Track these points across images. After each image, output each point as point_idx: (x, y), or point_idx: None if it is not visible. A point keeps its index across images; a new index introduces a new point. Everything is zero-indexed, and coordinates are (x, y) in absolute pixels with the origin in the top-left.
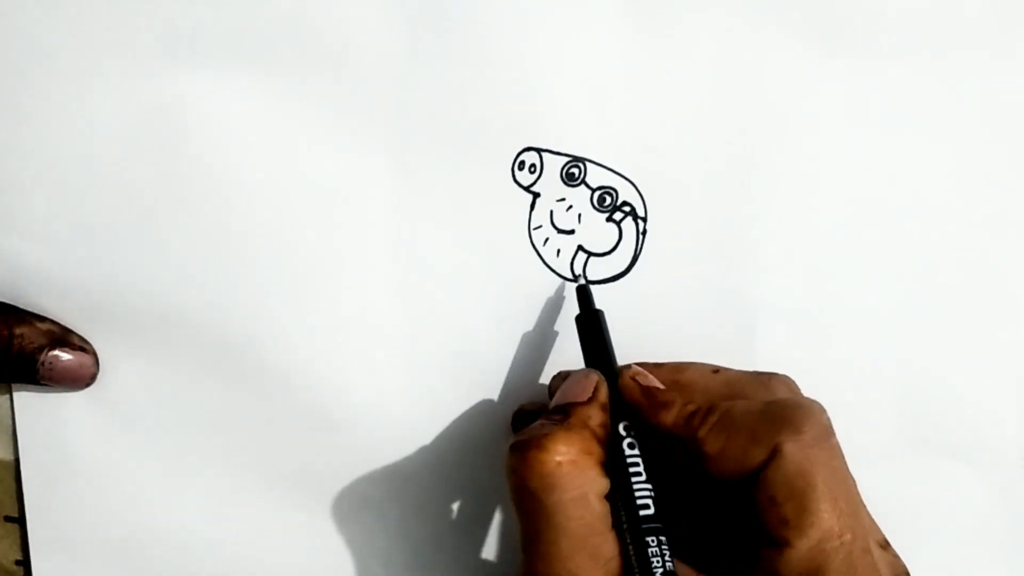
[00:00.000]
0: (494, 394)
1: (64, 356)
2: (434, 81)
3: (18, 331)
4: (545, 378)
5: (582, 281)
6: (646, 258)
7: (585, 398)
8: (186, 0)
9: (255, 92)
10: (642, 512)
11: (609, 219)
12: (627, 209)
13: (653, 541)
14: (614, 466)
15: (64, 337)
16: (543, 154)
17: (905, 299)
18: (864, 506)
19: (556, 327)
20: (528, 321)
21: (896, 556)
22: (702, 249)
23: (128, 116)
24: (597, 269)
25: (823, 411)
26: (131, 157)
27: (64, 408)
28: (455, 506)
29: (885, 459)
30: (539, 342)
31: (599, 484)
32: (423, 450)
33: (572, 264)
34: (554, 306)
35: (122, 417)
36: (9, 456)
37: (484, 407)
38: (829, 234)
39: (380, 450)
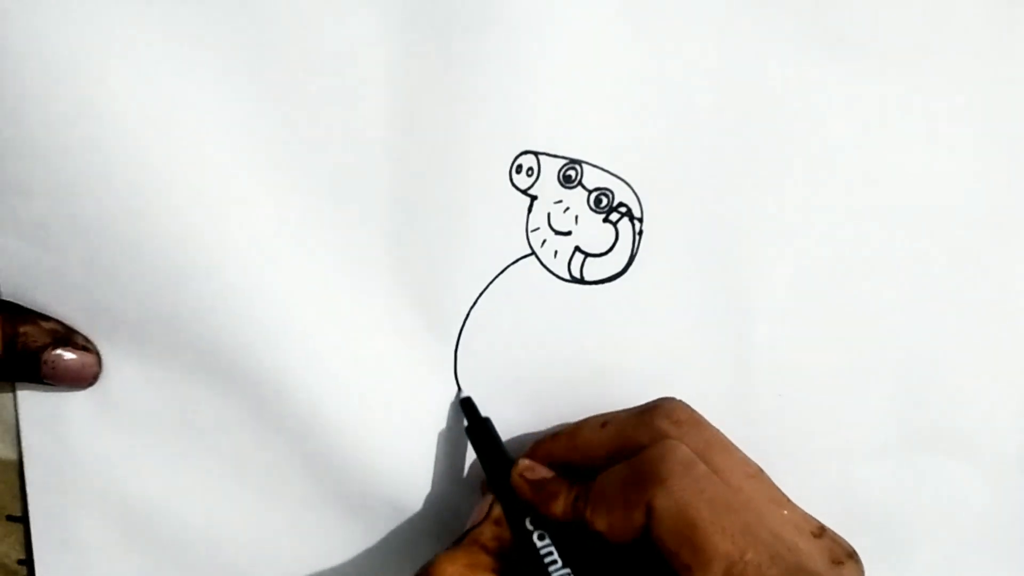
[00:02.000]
0: (492, 396)
1: (67, 355)
2: (431, 85)
3: (23, 329)
4: None
5: (464, 394)
6: (643, 258)
7: (480, 519)
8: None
9: (254, 93)
10: None
11: (606, 220)
12: (623, 210)
13: None
14: (531, 562)
15: (68, 336)
16: (540, 157)
17: (904, 298)
18: (774, 508)
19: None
20: (526, 324)
21: (835, 539)
22: (698, 249)
23: (129, 116)
24: (594, 270)
25: (687, 446)
26: (131, 157)
27: (67, 408)
28: (455, 506)
29: (885, 459)
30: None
31: None
32: (423, 450)
33: (569, 265)
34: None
35: (124, 417)
36: (12, 455)
37: (483, 408)
38: (827, 234)
39: (380, 450)
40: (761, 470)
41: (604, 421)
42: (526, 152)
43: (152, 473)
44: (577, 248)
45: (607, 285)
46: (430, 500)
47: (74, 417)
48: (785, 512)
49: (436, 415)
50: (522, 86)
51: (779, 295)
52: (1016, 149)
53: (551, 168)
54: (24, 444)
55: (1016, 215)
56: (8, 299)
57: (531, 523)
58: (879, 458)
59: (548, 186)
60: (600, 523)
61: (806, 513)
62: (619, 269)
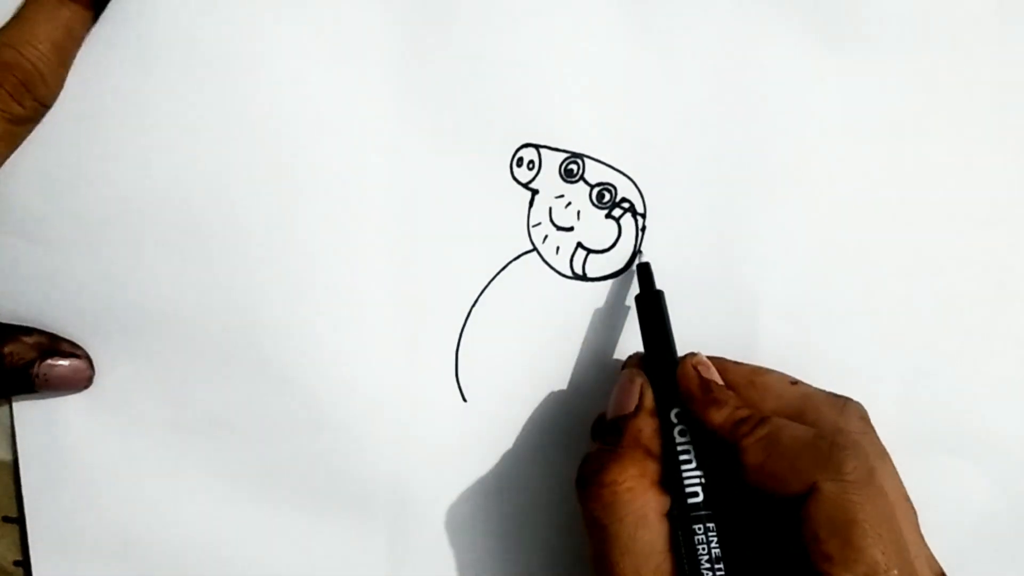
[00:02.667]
0: (492, 394)
1: (57, 364)
2: (432, 78)
3: (7, 349)
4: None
5: (644, 259)
6: (645, 254)
7: (632, 408)
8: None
9: (253, 92)
10: (690, 500)
11: (608, 215)
12: (626, 205)
13: (700, 529)
14: (667, 456)
15: (54, 346)
16: (541, 150)
17: (906, 296)
18: (917, 540)
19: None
20: (528, 320)
21: None
22: (701, 245)
23: (128, 115)
24: (596, 266)
25: (870, 452)
26: (131, 157)
27: (63, 409)
28: (455, 506)
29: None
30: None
31: (658, 503)
32: (422, 450)
33: (571, 261)
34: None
35: (121, 418)
36: (8, 457)
37: (483, 406)
38: (829, 230)
39: (379, 450)
40: (910, 499)
41: (795, 381)
42: (527, 145)
43: (148, 474)
44: (579, 244)
45: (609, 281)
46: (430, 502)
47: (70, 418)
48: (923, 546)
49: (436, 415)
50: (523, 78)
51: (782, 292)
52: (1018, 147)
53: (552, 162)
54: (20, 445)
55: (1019, 213)
56: (2, 298)
57: (676, 416)
58: None
59: (549, 180)
60: (754, 458)
61: (932, 554)
62: (622, 266)
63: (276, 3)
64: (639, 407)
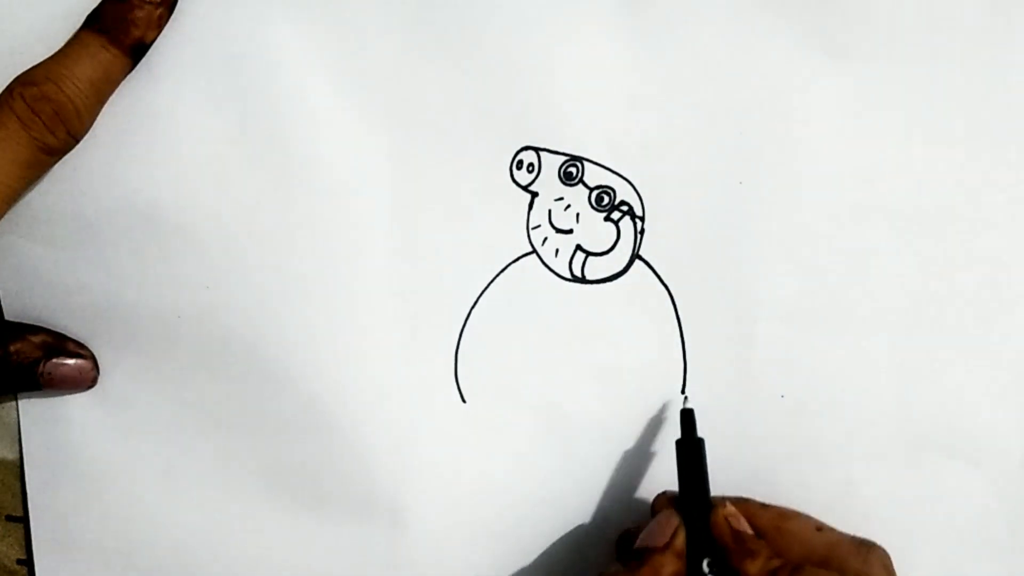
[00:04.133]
0: (492, 396)
1: (63, 364)
2: (432, 80)
3: (13, 348)
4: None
5: (689, 405)
6: (644, 257)
7: (662, 543)
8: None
9: (255, 91)
10: None
11: (607, 218)
12: (625, 208)
13: None
14: None
15: (60, 345)
16: (541, 153)
17: (905, 297)
18: None
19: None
20: (527, 323)
21: None
22: (700, 249)
23: (127, 115)
24: (595, 268)
25: None
26: (134, 158)
27: (67, 408)
28: (454, 507)
29: (885, 459)
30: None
31: None
32: (422, 451)
33: (571, 263)
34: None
35: (124, 417)
36: (13, 456)
37: (483, 408)
38: (828, 233)
39: (379, 450)
40: None
41: (820, 527)
42: (526, 148)
43: (152, 473)
44: (578, 247)
45: (608, 284)
46: (429, 503)
47: (74, 418)
48: None
49: (435, 415)
50: (523, 81)
51: (781, 295)
52: (1017, 149)
53: (552, 164)
54: (24, 445)
55: (1016, 214)
56: (8, 297)
57: (708, 566)
58: (881, 458)
59: (549, 183)
60: None
61: None
62: (620, 268)
63: (276, 4)
64: (668, 545)
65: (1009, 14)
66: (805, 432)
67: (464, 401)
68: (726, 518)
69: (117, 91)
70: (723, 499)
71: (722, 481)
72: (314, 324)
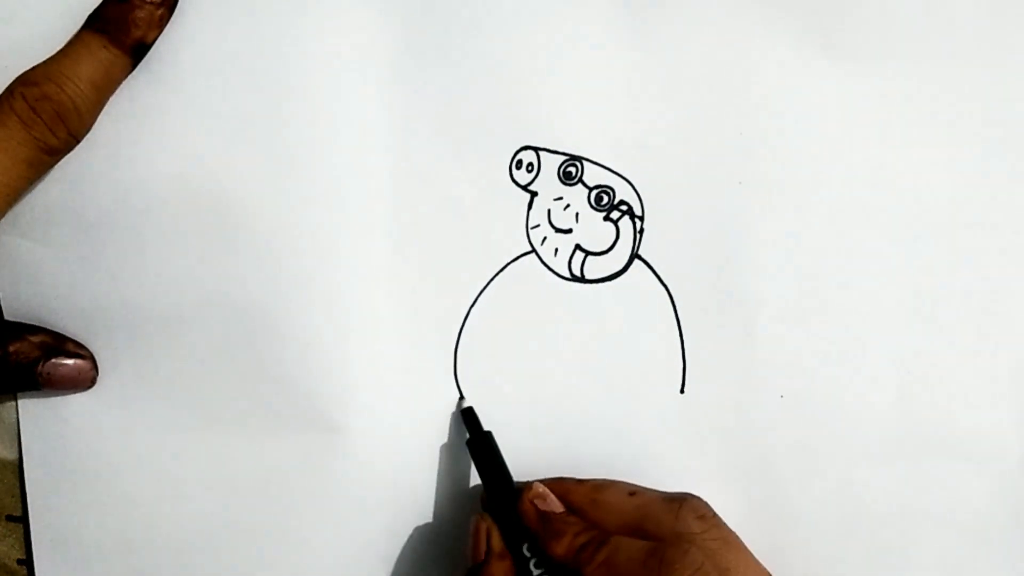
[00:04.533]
0: (491, 395)
1: (61, 364)
2: (431, 80)
3: (12, 348)
4: None
5: (466, 404)
6: (643, 257)
7: (482, 556)
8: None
9: (255, 92)
10: None
11: (606, 218)
12: (624, 208)
13: None
14: None
15: (59, 346)
16: (540, 153)
17: (904, 298)
18: None
19: None
20: (526, 322)
21: None
22: (698, 248)
23: (130, 118)
24: (595, 268)
25: (714, 550)
26: (134, 158)
27: (67, 408)
28: (454, 507)
29: (885, 459)
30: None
31: None
32: (422, 451)
33: (570, 263)
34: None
35: (124, 417)
36: (12, 455)
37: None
38: (827, 233)
39: (379, 450)
40: (769, 574)
41: (633, 491)
42: (526, 147)
43: (150, 473)
44: (578, 246)
45: (608, 284)
46: (429, 502)
47: (74, 418)
48: None
49: (436, 416)
50: (523, 81)
51: (781, 295)
52: (1016, 149)
53: (551, 164)
54: (24, 444)
55: (1015, 215)
56: (8, 297)
57: (528, 550)
58: (881, 459)
59: (548, 183)
60: None
61: None
62: (620, 268)
63: (276, 4)
64: (488, 553)
65: (1009, 14)
66: (804, 431)
67: (463, 400)
68: (532, 501)
69: (118, 91)
70: (531, 482)
71: (722, 480)
72: (314, 323)
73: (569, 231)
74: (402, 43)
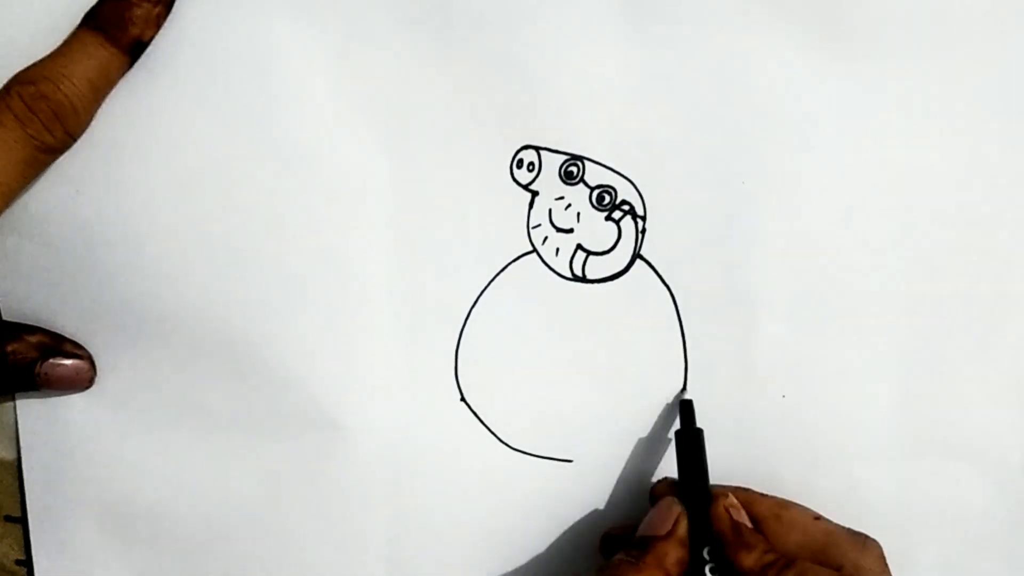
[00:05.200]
0: (492, 394)
1: (59, 364)
2: (432, 79)
3: (10, 348)
4: None
5: (687, 396)
6: (645, 257)
7: (664, 531)
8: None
9: (255, 91)
10: None
11: (608, 218)
12: (626, 208)
13: None
14: None
15: (57, 346)
16: (541, 152)
17: (905, 298)
18: None
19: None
20: (528, 322)
21: None
22: (700, 248)
23: (128, 118)
24: (596, 268)
25: None
26: (133, 158)
27: (65, 409)
28: (454, 506)
29: (885, 459)
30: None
31: None
32: (422, 450)
33: (571, 263)
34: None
35: (123, 417)
36: (11, 456)
37: (483, 406)
38: (829, 233)
39: (379, 450)
40: None
41: (817, 516)
42: (527, 147)
43: (150, 473)
44: (579, 246)
45: (609, 283)
46: (428, 502)
47: (73, 418)
48: None
49: (436, 416)
50: (524, 81)
51: (782, 295)
52: (1017, 149)
53: (552, 164)
54: (23, 445)
55: (1017, 214)
56: (6, 297)
57: (708, 554)
58: (882, 459)
59: (549, 182)
60: None
61: None
62: (622, 267)
63: (276, 4)
64: (671, 533)
65: (1009, 14)
66: (805, 432)
67: (464, 399)
68: (727, 509)
69: (115, 90)
70: (724, 489)
71: (723, 480)
72: (314, 323)
73: (570, 231)
74: (403, 42)
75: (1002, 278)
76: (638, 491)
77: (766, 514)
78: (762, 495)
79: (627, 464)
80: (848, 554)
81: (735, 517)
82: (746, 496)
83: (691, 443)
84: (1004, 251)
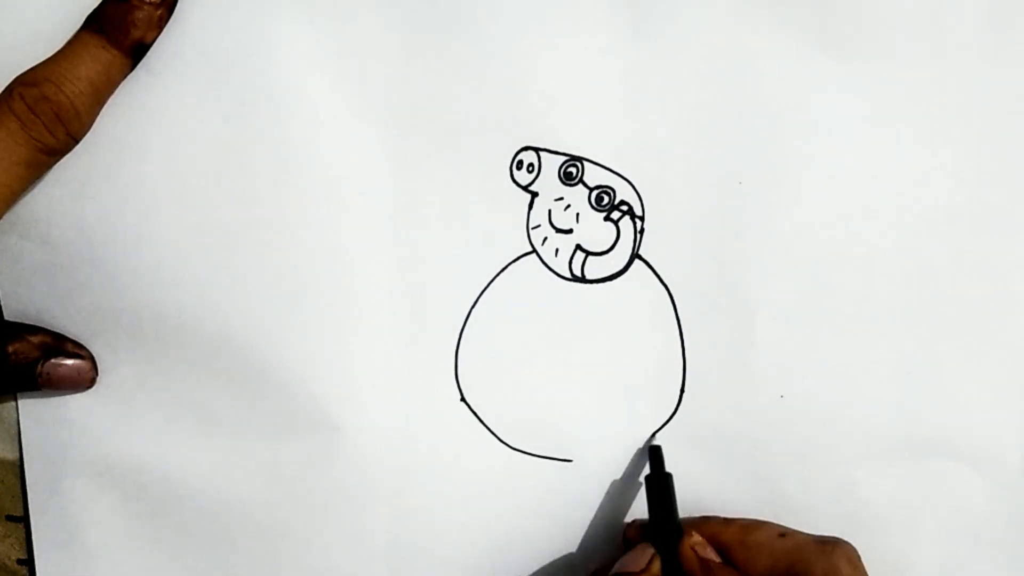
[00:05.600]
0: (492, 395)
1: (61, 364)
2: (432, 80)
3: (11, 348)
4: None
5: (656, 442)
6: (644, 257)
7: (638, 569)
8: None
9: (255, 92)
10: None
11: (607, 218)
12: (625, 208)
13: None
14: None
15: (58, 346)
16: (541, 153)
17: (905, 299)
18: None
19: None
20: (527, 322)
21: None
22: (699, 248)
23: (129, 118)
24: (595, 268)
25: None
26: (133, 159)
27: (67, 408)
28: (454, 506)
29: (885, 459)
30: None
31: None
32: (421, 450)
33: (571, 263)
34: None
35: (124, 417)
36: (13, 455)
37: (483, 407)
38: (828, 233)
39: (379, 451)
40: None
41: (783, 532)
42: (526, 148)
43: (151, 473)
44: (578, 246)
45: (608, 284)
46: (428, 502)
47: (74, 417)
48: None
49: (436, 416)
50: (523, 82)
51: (781, 295)
52: (1016, 149)
53: (552, 165)
54: (24, 444)
55: (1016, 215)
56: (7, 297)
57: None
58: (881, 460)
59: (549, 183)
60: None
61: None
62: (620, 267)
63: (276, 4)
64: (645, 570)
65: (1009, 14)
66: (805, 432)
67: (464, 400)
68: (693, 547)
69: (117, 91)
70: (690, 523)
71: (722, 481)
72: (314, 323)
73: (570, 231)
74: (402, 43)
75: (1001, 278)
76: (634, 493)
77: (731, 542)
78: (725, 521)
79: (624, 466)
80: (817, 565)
81: (702, 554)
82: (710, 527)
83: (661, 489)
84: (1004, 251)
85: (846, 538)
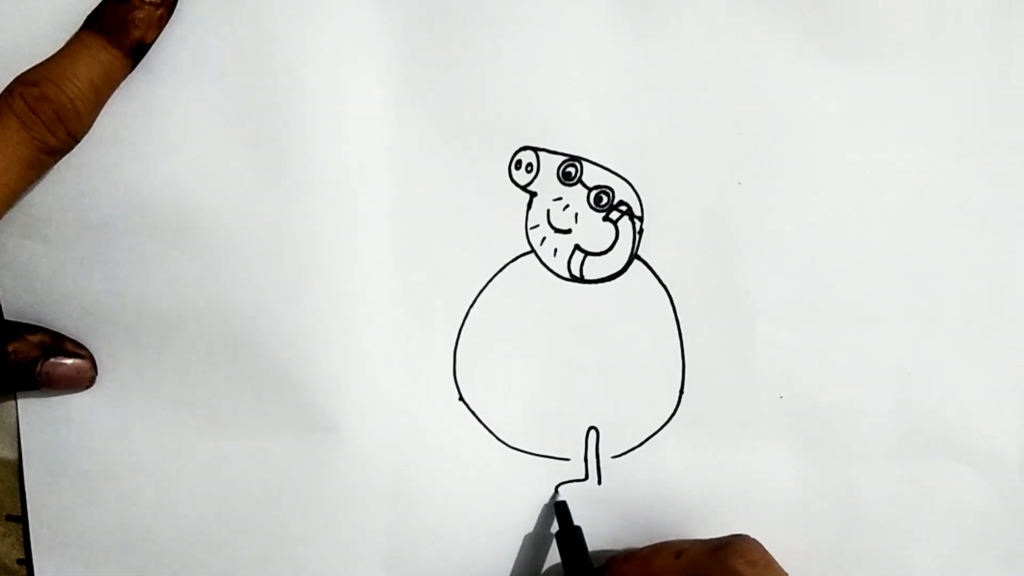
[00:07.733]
0: (490, 395)
1: (60, 363)
2: (431, 80)
3: (11, 347)
4: None
5: (560, 497)
6: (642, 257)
7: None
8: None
9: (254, 91)
10: None
11: (606, 218)
12: (624, 208)
13: None
14: None
15: (58, 345)
16: (539, 153)
17: (905, 299)
18: None
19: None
20: (526, 323)
21: None
22: (699, 248)
23: (129, 118)
24: (594, 268)
25: None
26: (134, 158)
27: (66, 408)
28: (453, 506)
29: (885, 459)
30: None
31: None
32: (420, 451)
33: (569, 263)
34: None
35: (123, 417)
36: (12, 455)
37: (481, 406)
38: (827, 233)
39: (378, 450)
40: None
41: (679, 551)
42: (525, 148)
43: (150, 473)
44: (577, 246)
45: (607, 284)
46: (427, 502)
47: (74, 417)
48: None
49: (436, 416)
50: (522, 81)
51: (781, 295)
52: (1016, 150)
53: (550, 164)
54: (24, 444)
55: (1016, 215)
56: (7, 296)
57: None
58: (880, 460)
59: (547, 183)
60: None
61: None
62: (619, 268)
63: (276, 4)
64: None
65: (1009, 14)
66: (804, 432)
67: (462, 400)
68: None
69: (117, 91)
70: (600, 569)
71: (723, 482)
72: (313, 323)
73: (568, 231)
74: (402, 43)
75: (1001, 277)
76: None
77: (636, 574)
78: (625, 558)
79: (623, 466)
80: (714, 571)
81: None
82: (617, 567)
83: (572, 542)
84: (1004, 251)
85: (846, 537)
